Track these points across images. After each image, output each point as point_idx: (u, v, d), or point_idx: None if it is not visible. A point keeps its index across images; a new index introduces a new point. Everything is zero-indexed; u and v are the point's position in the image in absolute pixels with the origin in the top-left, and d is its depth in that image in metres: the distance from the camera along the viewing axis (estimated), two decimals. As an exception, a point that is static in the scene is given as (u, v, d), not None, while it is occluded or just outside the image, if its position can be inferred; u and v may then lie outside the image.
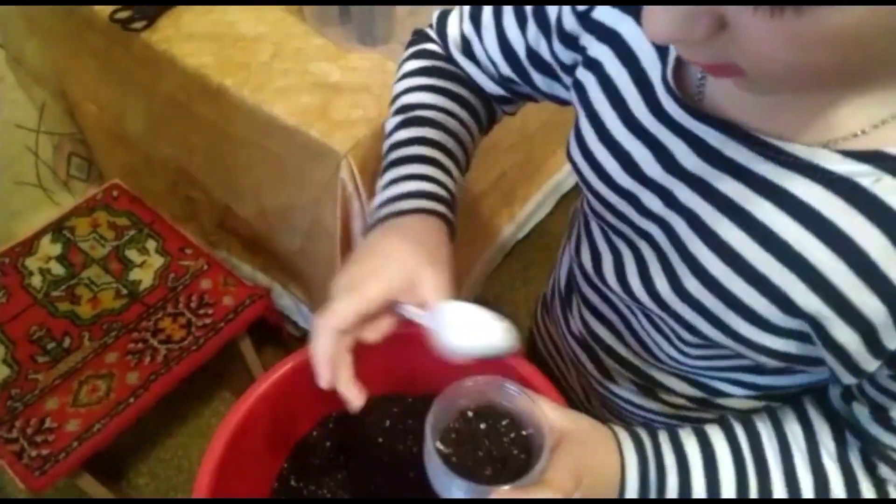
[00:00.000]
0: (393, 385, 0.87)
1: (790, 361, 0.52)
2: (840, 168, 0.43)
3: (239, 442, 0.72)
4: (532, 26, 0.63)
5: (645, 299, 0.59)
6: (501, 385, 0.56)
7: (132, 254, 1.33)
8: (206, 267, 1.32)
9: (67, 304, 1.24)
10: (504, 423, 0.58)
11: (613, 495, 0.58)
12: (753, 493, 0.56)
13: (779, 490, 0.56)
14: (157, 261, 1.32)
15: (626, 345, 0.69)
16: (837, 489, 0.54)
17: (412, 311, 0.56)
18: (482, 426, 0.58)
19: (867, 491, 0.54)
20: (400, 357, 0.72)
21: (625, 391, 0.75)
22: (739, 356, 0.57)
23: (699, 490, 0.58)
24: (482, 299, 1.75)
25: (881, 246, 0.42)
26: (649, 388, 0.72)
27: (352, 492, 0.83)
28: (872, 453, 0.54)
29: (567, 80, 0.62)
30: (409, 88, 0.71)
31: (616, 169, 0.56)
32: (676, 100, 0.50)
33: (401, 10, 1.11)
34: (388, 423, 0.90)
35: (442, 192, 0.63)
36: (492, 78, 0.71)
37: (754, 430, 0.58)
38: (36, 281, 1.27)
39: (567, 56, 0.60)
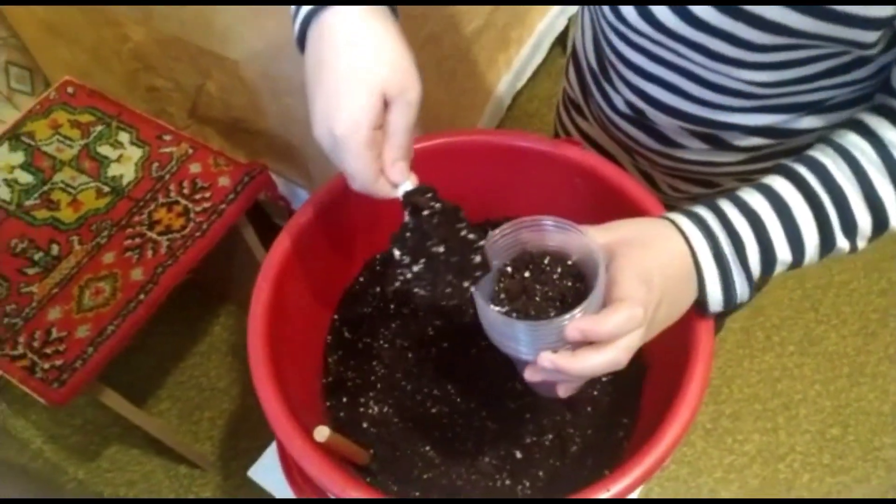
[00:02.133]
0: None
1: (888, 25, 0.46)
2: None
3: (282, 295, 0.62)
4: None
5: (711, 16, 0.51)
6: (525, 227, 0.51)
7: (105, 149, 1.18)
8: (190, 151, 1.18)
9: (45, 212, 1.11)
10: (546, 261, 0.52)
11: (692, 284, 0.51)
12: (837, 227, 0.52)
13: (862, 214, 0.52)
14: (134, 153, 1.18)
15: (689, 96, 0.61)
16: None
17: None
18: (526, 275, 0.51)
19: None
20: (442, 174, 0.62)
21: (693, 153, 0.68)
22: (816, 57, 0.51)
23: (780, 244, 0.52)
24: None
25: None
26: (721, 138, 0.64)
27: (409, 339, 0.75)
28: None
29: None
30: None
31: None
32: None
33: None
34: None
35: None
36: None
37: (816, 162, 0.53)
38: (3, 193, 1.13)
39: None
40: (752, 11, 0.48)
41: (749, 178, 0.68)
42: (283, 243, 0.63)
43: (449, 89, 1.24)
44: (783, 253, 0.52)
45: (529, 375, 0.48)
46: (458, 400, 0.71)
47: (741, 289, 0.53)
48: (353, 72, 0.48)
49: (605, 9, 0.59)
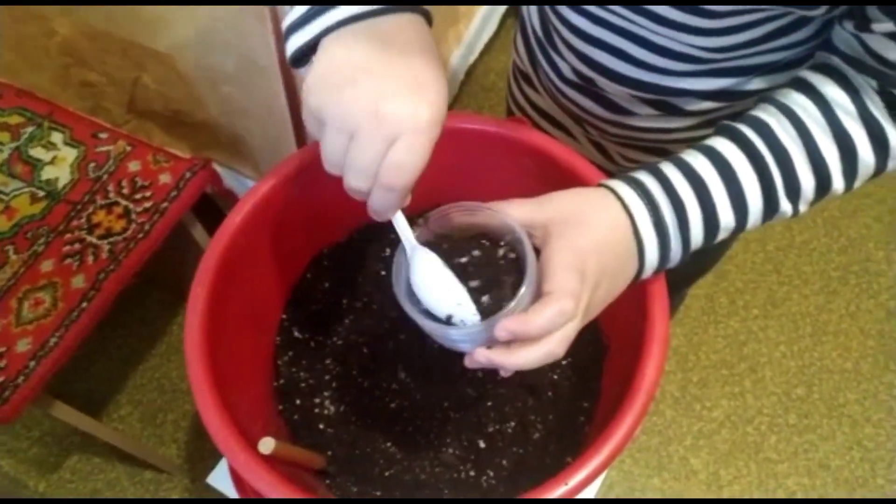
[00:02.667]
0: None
1: None
2: None
3: (222, 300, 0.59)
4: None
5: None
6: (447, 216, 0.50)
7: (37, 151, 1.12)
8: (129, 148, 1.13)
9: (-24, 220, 1.05)
10: (475, 253, 0.50)
11: (630, 257, 0.49)
12: (780, 187, 0.51)
13: (806, 176, 0.51)
14: (69, 153, 1.12)
15: (636, 61, 0.59)
16: (864, 149, 0.50)
17: (404, 230, 0.48)
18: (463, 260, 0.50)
19: (892, 136, 0.50)
20: None
21: (644, 119, 0.66)
22: (763, 20, 0.49)
23: (724, 210, 0.50)
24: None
25: None
26: (671, 103, 0.62)
27: (363, 334, 0.72)
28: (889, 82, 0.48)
29: None
30: None
31: None
32: None
33: None
34: (388, 251, 0.78)
35: None
36: None
37: (760, 121, 0.51)
38: (-70, 204, 1.07)
39: None
40: None
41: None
42: (218, 244, 0.60)
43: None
44: (727, 218, 0.51)
45: (469, 364, 0.47)
46: (418, 393, 0.69)
47: (675, 255, 0.51)
48: (435, 66, 0.44)
49: None
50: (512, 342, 0.44)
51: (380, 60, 0.43)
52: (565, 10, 0.61)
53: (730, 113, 0.63)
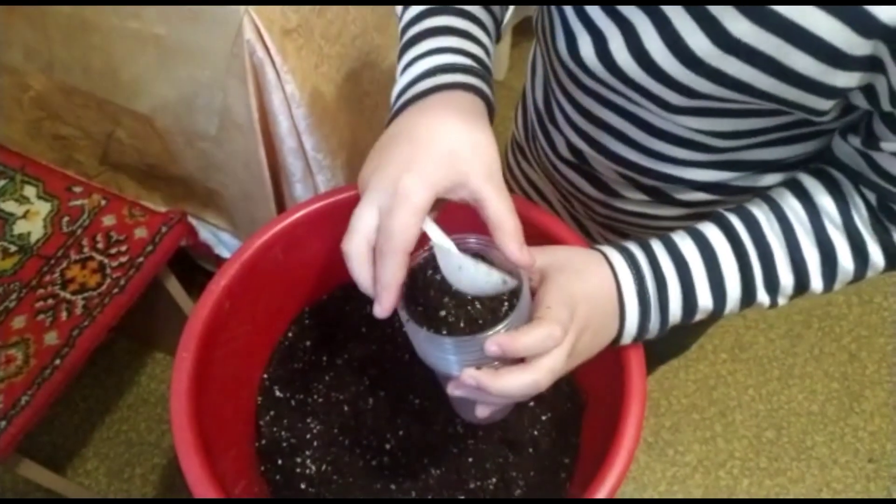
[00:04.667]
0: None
1: (841, 97, 0.45)
2: None
3: (207, 363, 0.59)
4: None
5: (673, 68, 0.49)
6: (464, 242, 0.52)
7: (9, 205, 1.12)
8: (103, 202, 1.13)
9: (-53, 277, 1.04)
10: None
11: (613, 318, 0.52)
12: (759, 280, 0.53)
13: (784, 272, 0.53)
14: (42, 207, 1.12)
15: (637, 145, 0.60)
16: (844, 258, 0.52)
17: (437, 233, 0.49)
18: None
19: (874, 254, 0.52)
20: None
21: (633, 203, 0.67)
22: (777, 113, 0.50)
23: (703, 293, 0.53)
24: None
25: None
26: (663, 191, 0.64)
27: (344, 392, 0.73)
28: (886, 197, 0.50)
29: None
30: None
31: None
32: None
33: None
34: (368, 308, 0.78)
35: (477, 66, 0.55)
36: None
37: (750, 215, 0.54)
38: None
39: None
40: (715, 67, 0.47)
41: None
42: (203, 309, 0.60)
43: (372, 125, 1.23)
44: (705, 301, 0.53)
45: (451, 389, 0.48)
46: (399, 451, 0.69)
47: (653, 328, 0.54)
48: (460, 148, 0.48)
49: (561, 47, 0.57)
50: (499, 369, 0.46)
51: (386, 145, 0.50)
52: (572, 88, 0.61)
53: (718, 208, 0.64)
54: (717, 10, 0.44)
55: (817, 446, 1.54)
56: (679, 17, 0.46)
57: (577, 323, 0.48)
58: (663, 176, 0.61)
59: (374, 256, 0.47)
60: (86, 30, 0.95)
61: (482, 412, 0.49)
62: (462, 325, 0.51)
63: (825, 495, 1.48)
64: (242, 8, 0.82)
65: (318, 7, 0.96)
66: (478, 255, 0.51)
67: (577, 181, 0.70)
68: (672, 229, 0.66)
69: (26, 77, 1.14)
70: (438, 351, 0.50)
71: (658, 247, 0.54)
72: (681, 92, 0.50)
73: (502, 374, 0.45)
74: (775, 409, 1.58)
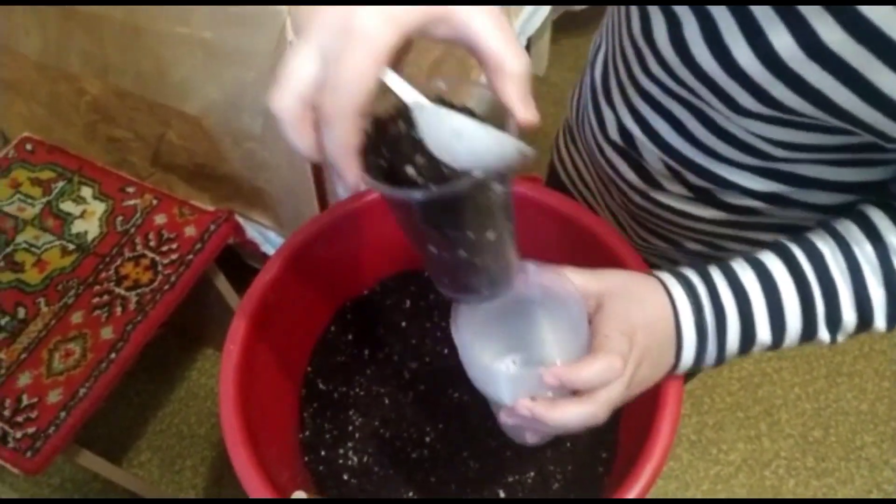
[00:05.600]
0: (404, 261, 0.77)
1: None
2: None
3: (253, 355, 0.61)
4: None
5: (752, 66, 0.46)
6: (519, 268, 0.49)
7: (68, 206, 1.17)
8: (155, 202, 1.17)
9: (10, 274, 1.09)
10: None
11: (670, 348, 0.50)
12: (821, 317, 0.50)
13: (848, 312, 0.50)
14: (98, 207, 1.17)
15: (695, 140, 0.56)
16: None
17: (404, 87, 0.37)
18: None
19: None
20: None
21: (674, 199, 0.64)
22: (847, 132, 0.46)
23: (762, 326, 0.50)
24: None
25: None
26: (708, 190, 0.60)
27: (385, 385, 0.75)
28: None
29: None
30: None
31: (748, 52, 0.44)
32: None
33: None
34: (408, 303, 0.80)
35: None
36: None
37: (814, 248, 0.51)
38: (-35, 258, 1.11)
39: None
40: (797, 73, 0.43)
41: (715, 245, 0.66)
42: (250, 302, 0.63)
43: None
44: (763, 335, 0.51)
45: (504, 418, 0.47)
46: (438, 443, 0.71)
47: (710, 359, 0.52)
48: None
49: (636, 30, 0.53)
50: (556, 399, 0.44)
51: None
52: (637, 70, 0.57)
53: (762, 222, 0.61)
54: (807, 11, 0.40)
55: (867, 446, 1.50)
56: (764, 14, 0.43)
57: (636, 353, 0.46)
58: (712, 175, 0.58)
59: (317, 119, 0.36)
60: (138, 35, 0.98)
61: (532, 438, 0.48)
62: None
63: (875, 496, 1.45)
64: (285, 9, 0.84)
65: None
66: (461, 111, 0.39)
67: (620, 166, 0.67)
68: (709, 233, 0.65)
69: (83, 82, 1.19)
70: (490, 381, 0.47)
71: (718, 276, 0.51)
72: (754, 94, 0.47)
73: (559, 406, 0.44)
74: (823, 407, 1.55)
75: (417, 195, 0.38)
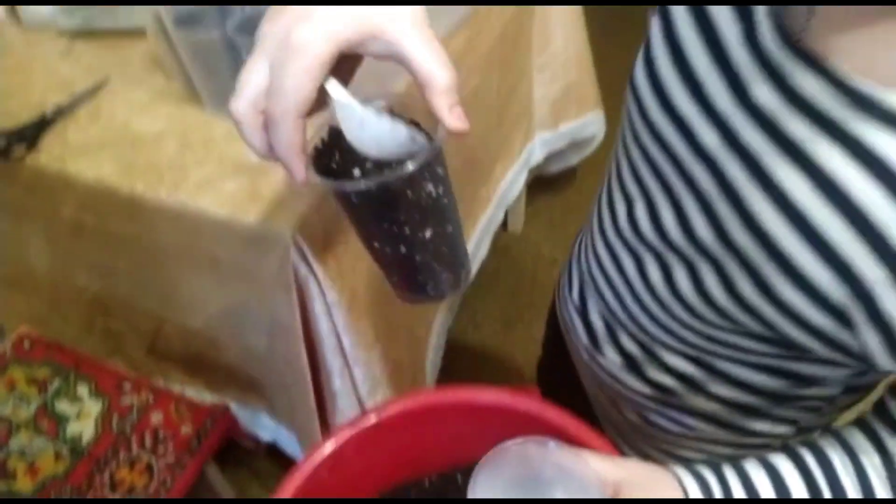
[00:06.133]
0: (402, 471, 0.78)
1: (816, 340, 0.47)
2: None
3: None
4: None
5: (681, 243, 0.53)
6: (539, 445, 0.51)
7: (63, 406, 1.17)
8: (151, 399, 1.18)
9: (2, 484, 1.07)
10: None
11: None
12: None
13: None
14: (94, 407, 1.17)
15: (636, 296, 0.62)
16: None
17: (338, 91, 0.43)
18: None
19: None
20: (405, 437, 0.64)
21: (610, 363, 0.70)
22: (750, 333, 0.52)
23: None
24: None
25: None
26: (635, 361, 0.67)
27: None
28: None
29: None
30: None
31: (682, 93, 0.50)
32: (780, 31, 0.43)
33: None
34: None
35: None
36: None
37: (826, 458, 0.53)
38: (-44, 467, 1.09)
39: None
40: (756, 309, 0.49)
41: (645, 418, 0.72)
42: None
43: (405, 308, 1.28)
44: None
45: None
46: None
47: None
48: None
49: (621, 218, 0.61)
50: None
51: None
52: (608, 229, 0.64)
53: (686, 406, 0.66)
54: (726, 213, 0.48)
55: None
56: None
57: None
58: (645, 347, 0.64)
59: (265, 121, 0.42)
60: (146, 251, 1.03)
61: None
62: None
63: None
64: (289, 232, 0.90)
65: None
66: (396, 116, 0.46)
67: (575, 321, 0.73)
68: (642, 406, 0.70)
69: (84, 282, 1.23)
70: None
71: (731, 475, 0.53)
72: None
73: None
74: None
75: (349, 186, 0.44)
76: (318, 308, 0.98)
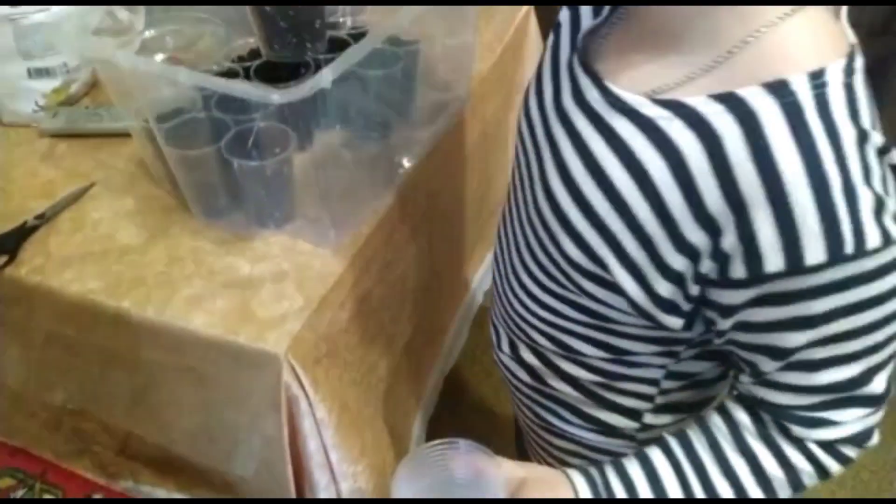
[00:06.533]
0: None
1: (596, 286, 0.64)
2: (649, 111, 0.55)
3: None
4: None
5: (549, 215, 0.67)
6: (452, 446, 0.63)
7: (28, 521, 1.11)
8: (123, 510, 1.13)
9: None
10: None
11: None
12: (697, 489, 0.64)
13: (720, 483, 0.63)
14: (61, 521, 1.11)
15: (521, 282, 0.77)
16: (769, 465, 0.62)
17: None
18: None
19: (793, 456, 0.62)
20: None
21: (504, 356, 0.89)
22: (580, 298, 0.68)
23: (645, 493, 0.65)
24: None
25: (664, 175, 0.54)
26: (513, 341, 0.84)
27: None
28: (778, 416, 0.61)
29: None
30: None
31: (533, 97, 0.71)
32: (575, 50, 0.66)
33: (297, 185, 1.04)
34: None
35: None
36: None
37: (685, 435, 0.67)
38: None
39: None
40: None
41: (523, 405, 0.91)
42: None
43: (387, 407, 1.27)
44: None
45: None
46: None
47: None
48: None
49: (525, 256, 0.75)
50: None
51: None
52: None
53: (551, 392, 0.83)
54: (538, 190, 0.68)
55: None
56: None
57: None
58: (515, 327, 0.82)
59: None
60: (126, 363, 1.00)
61: None
62: None
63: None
64: (283, 352, 0.88)
65: (344, 322, 1.03)
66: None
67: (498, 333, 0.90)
68: (534, 401, 0.87)
69: (62, 398, 1.18)
70: None
71: (610, 470, 0.67)
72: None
73: None
74: None
75: None
76: (306, 426, 0.96)
